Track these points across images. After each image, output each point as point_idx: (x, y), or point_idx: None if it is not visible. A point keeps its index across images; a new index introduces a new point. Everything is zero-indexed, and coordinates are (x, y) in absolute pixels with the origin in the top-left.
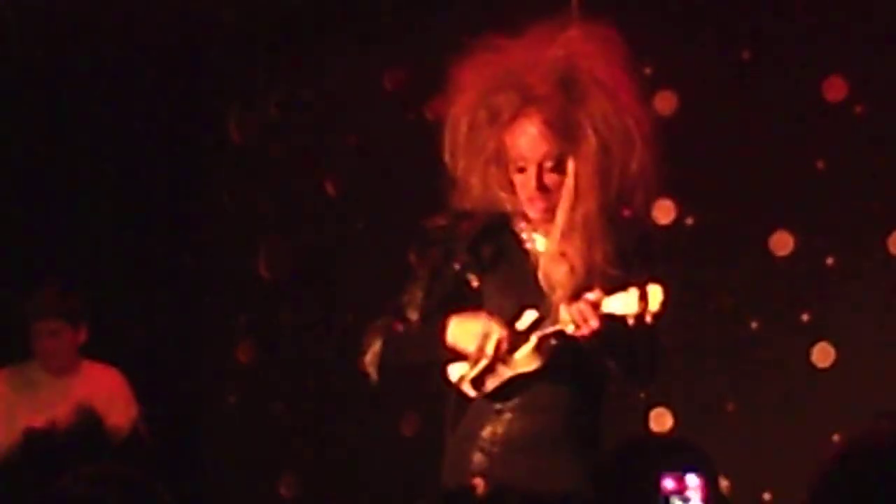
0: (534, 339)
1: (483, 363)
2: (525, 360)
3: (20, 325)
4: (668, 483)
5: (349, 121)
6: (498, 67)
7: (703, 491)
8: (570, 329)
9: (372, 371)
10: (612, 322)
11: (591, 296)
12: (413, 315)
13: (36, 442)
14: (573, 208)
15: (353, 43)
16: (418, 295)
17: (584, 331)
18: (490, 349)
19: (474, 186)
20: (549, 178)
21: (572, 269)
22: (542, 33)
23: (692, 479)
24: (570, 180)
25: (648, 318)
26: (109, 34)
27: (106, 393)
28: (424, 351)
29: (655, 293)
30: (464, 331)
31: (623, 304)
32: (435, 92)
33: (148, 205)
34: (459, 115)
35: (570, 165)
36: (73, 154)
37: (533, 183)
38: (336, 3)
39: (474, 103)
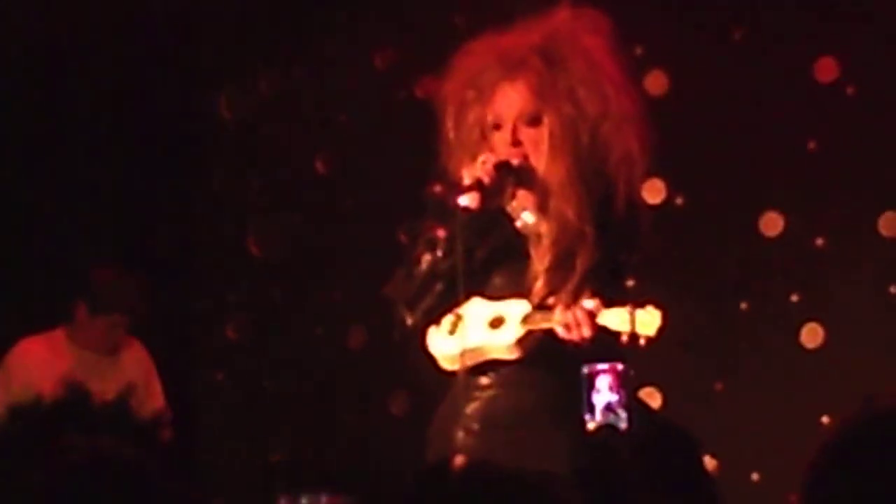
0: (521, 330)
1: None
2: (507, 349)
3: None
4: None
5: (339, 99)
6: (487, 53)
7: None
8: (560, 331)
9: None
10: (604, 334)
11: (590, 304)
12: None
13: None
14: (549, 163)
15: (344, 21)
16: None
17: (575, 336)
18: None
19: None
20: (524, 134)
21: (549, 228)
22: (531, 24)
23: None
24: (545, 132)
25: (642, 342)
26: (100, 13)
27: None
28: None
29: (654, 318)
30: None
31: (620, 320)
32: (425, 70)
33: (138, 182)
34: (448, 97)
35: (546, 119)
36: (62, 131)
37: (508, 138)
38: None
39: (463, 85)
